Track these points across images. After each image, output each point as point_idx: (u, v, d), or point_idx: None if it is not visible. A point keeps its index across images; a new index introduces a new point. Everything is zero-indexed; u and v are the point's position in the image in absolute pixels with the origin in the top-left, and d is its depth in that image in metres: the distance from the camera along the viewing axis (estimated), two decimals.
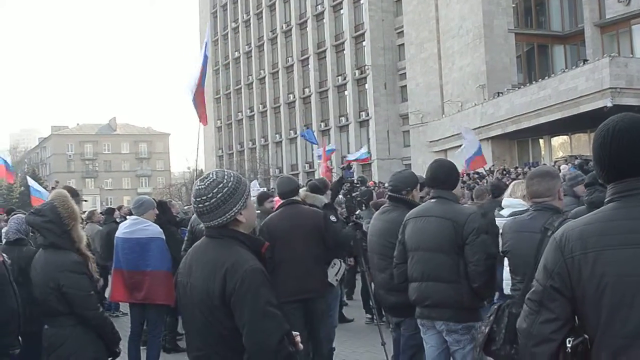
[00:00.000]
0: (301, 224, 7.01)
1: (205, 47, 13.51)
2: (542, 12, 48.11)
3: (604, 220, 2.38)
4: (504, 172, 28.89)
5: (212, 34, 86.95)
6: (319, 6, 67.95)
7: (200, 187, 3.23)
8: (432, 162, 5.88)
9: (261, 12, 77.38)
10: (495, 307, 4.56)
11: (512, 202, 7.05)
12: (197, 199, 3.22)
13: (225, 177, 3.25)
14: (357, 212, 9.61)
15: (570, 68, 37.73)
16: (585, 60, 37.17)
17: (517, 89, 40.18)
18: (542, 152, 41.31)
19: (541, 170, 4.92)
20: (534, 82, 38.90)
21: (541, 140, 41.31)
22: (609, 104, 30.76)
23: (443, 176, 5.63)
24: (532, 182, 4.70)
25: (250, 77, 78.27)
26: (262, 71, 76.64)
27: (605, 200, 2.46)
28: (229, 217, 3.22)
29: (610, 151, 2.40)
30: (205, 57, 13.36)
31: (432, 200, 5.61)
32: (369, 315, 11.51)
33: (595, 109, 31.23)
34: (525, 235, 4.52)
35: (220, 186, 3.21)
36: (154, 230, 8.14)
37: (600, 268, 2.30)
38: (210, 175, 3.28)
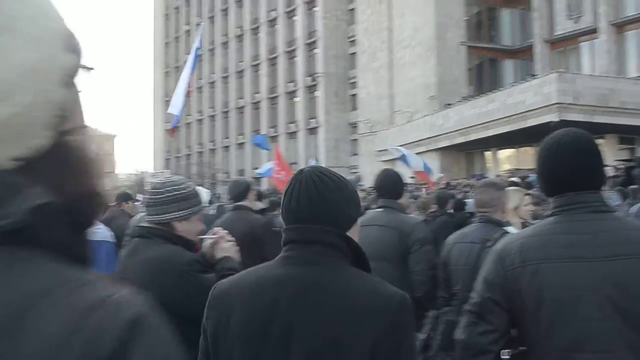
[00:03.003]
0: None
1: (195, 54, 13.27)
2: (493, 26, 48.73)
3: (544, 234, 2.41)
4: (449, 184, 28.92)
5: (165, 36, 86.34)
6: (273, 12, 67.83)
7: (158, 182, 3.32)
8: (380, 172, 5.93)
9: (214, 16, 76.98)
10: (432, 314, 4.63)
11: None
12: (150, 191, 3.30)
13: (184, 183, 3.29)
14: None
15: (519, 82, 38.14)
16: (533, 75, 37.60)
17: (466, 101, 40.51)
18: (489, 165, 41.66)
19: (488, 181, 5.20)
20: (483, 95, 39.26)
21: (489, 153, 41.66)
22: (556, 119, 31.11)
23: (389, 186, 5.63)
24: (478, 192, 4.81)
25: (201, 80, 77.77)
26: (213, 75, 76.21)
27: (548, 213, 2.52)
28: (166, 217, 3.19)
29: (553, 165, 2.45)
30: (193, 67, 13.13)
31: (379, 209, 5.61)
32: None
33: (542, 123, 31.56)
34: (465, 246, 4.58)
35: (173, 186, 3.22)
36: (104, 233, 7.69)
37: (539, 281, 2.32)
38: (173, 176, 3.38)
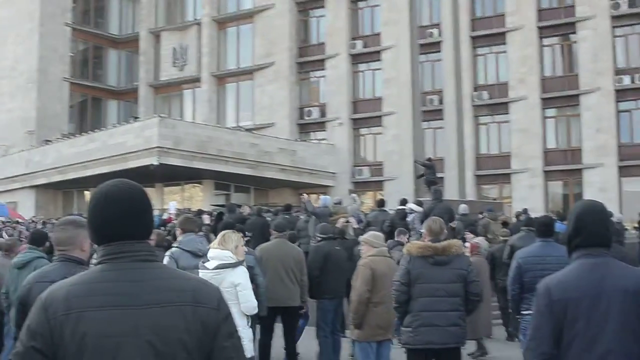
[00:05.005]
0: None
1: None
2: (99, 65, 48.42)
3: (89, 282, 2.43)
4: (46, 223, 27.76)
5: None
6: None
7: None
8: None
9: None
10: None
11: (220, 254, 6.96)
12: None
13: None
14: None
15: (122, 124, 38.08)
16: (136, 118, 37.78)
17: (66, 138, 39.40)
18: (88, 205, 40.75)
19: (67, 219, 4.98)
20: (84, 134, 38.42)
21: (87, 192, 40.68)
22: (156, 162, 31.48)
23: None
24: (57, 230, 4.69)
25: None
26: None
27: (95, 262, 2.54)
28: None
29: (101, 214, 2.48)
30: None
31: None
32: None
33: (143, 165, 31.72)
34: (45, 285, 4.14)
35: None
36: None
37: (82, 328, 2.32)
38: None
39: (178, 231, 8.44)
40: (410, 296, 6.70)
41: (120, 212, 2.47)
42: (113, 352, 2.32)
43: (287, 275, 9.51)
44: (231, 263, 6.95)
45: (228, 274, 6.85)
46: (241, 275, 6.96)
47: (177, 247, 7.81)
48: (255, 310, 7.14)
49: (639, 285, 3.35)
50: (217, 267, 6.91)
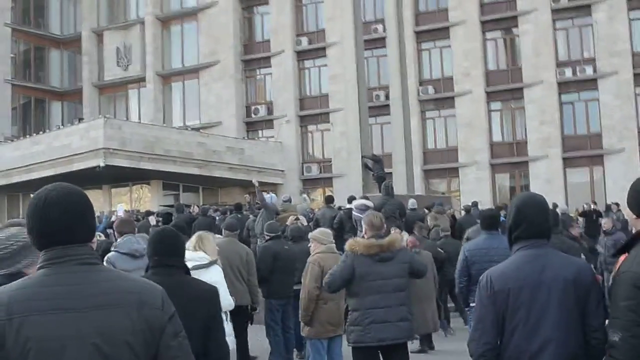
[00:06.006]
0: None
1: None
2: (41, 66, 47.42)
3: (32, 286, 2.42)
4: None
5: None
6: None
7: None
8: None
9: None
10: None
11: (194, 256, 7.23)
12: None
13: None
14: None
15: (67, 125, 37.47)
16: (81, 119, 37.22)
17: (10, 142, 38.67)
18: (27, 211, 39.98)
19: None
20: (28, 137, 37.72)
21: (33, 196, 39.98)
22: (102, 164, 31.07)
23: None
24: None
25: None
26: None
27: (37, 267, 2.52)
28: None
29: (40, 220, 2.46)
30: None
31: None
32: None
33: (89, 167, 31.30)
34: None
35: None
36: None
37: (26, 333, 2.31)
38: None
39: (116, 235, 8.36)
40: (344, 288, 6.76)
41: (60, 216, 2.46)
42: (57, 356, 2.32)
43: (233, 274, 9.39)
44: (205, 264, 7.19)
45: (202, 274, 7.04)
46: (216, 273, 7.20)
47: (114, 250, 7.67)
48: (231, 307, 7.31)
49: (577, 275, 3.44)
50: (192, 268, 7.09)
